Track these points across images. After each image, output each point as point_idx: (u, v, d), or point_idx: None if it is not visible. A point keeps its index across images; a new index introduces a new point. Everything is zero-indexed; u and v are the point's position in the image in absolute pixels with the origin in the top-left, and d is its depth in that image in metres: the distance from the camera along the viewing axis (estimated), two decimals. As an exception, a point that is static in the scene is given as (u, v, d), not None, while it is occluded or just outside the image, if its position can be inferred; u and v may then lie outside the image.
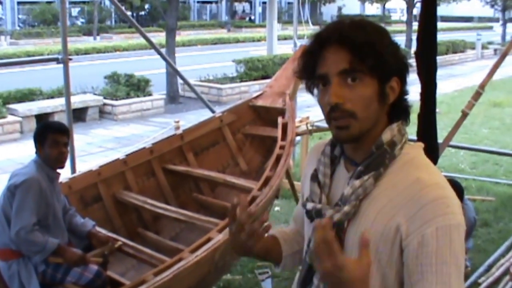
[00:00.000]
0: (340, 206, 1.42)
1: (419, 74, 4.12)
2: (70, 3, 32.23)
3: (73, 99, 10.03)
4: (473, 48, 24.97)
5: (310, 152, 1.71)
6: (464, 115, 5.51)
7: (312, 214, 1.48)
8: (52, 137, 3.44)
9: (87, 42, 27.27)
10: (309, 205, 1.49)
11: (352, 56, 1.35)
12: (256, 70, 14.68)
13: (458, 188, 4.64)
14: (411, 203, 1.33)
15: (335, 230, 1.42)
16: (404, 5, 24.85)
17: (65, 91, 5.42)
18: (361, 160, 1.44)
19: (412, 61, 3.99)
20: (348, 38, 1.36)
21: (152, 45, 6.60)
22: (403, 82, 1.43)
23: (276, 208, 6.15)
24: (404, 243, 1.34)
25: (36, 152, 3.48)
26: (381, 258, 1.37)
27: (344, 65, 1.36)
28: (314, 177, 1.52)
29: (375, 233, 1.37)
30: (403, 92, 1.44)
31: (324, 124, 7.75)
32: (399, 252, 1.35)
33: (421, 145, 1.49)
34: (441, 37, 26.01)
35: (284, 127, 4.75)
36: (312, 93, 1.48)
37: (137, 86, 12.51)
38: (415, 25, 4.70)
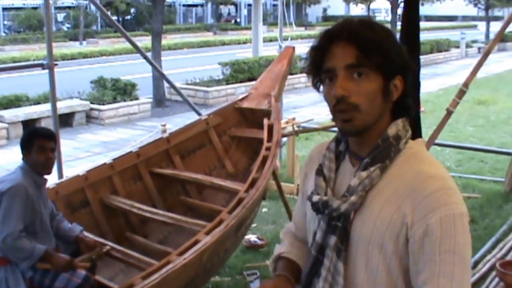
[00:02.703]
0: (347, 197, 1.46)
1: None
2: (56, 8, 32.06)
3: (60, 104, 10.02)
4: (458, 47, 25.17)
5: (311, 152, 1.76)
6: (449, 113, 5.56)
7: (319, 206, 1.52)
8: (39, 143, 3.44)
9: (73, 47, 27.13)
10: (315, 198, 1.53)
11: (359, 52, 1.42)
12: (242, 72, 14.70)
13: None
14: (415, 193, 1.38)
15: (342, 221, 1.49)
16: (388, 6, 25.00)
17: (51, 97, 5.41)
18: (365, 154, 1.49)
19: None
20: (357, 35, 1.42)
21: (137, 49, 6.60)
22: (405, 81, 1.48)
23: (264, 210, 6.17)
24: (410, 232, 1.38)
25: (22, 158, 3.47)
26: (386, 249, 1.41)
27: (351, 60, 1.42)
28: (319, 172, 1.58)
29: (381, 224, 1.41)
30: (405, 90, 1.49)
31: (310, 125, 7.79)
32: (404, 242, 1.39)
33: (423, 140, 1.56)
34: (425, 36, 26.22)
35: (270, 128, 4.77)
36: (318, 89, 1.54)
37: (124, 90, 12.48)
38: (400, 25, 4.75)
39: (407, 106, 1.51)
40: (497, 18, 37.04)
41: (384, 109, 1.48)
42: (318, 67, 1.49)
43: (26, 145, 3.46)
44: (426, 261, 1.35)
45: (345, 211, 1.47)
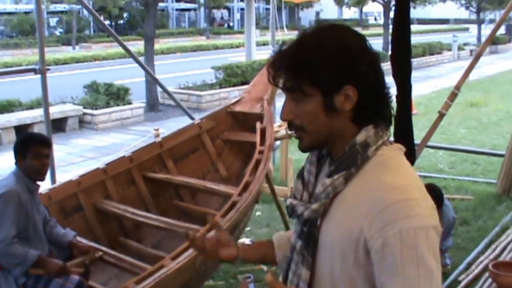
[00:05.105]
0: (311, 204, 1.45)
1: (394, 76, 4.17)
2: (48, 13, 31.99)
3: (53, 109, 10.02)
4: (450, 50, 25.30)
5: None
6: (441, 115, 5.60)
7: (288, 210, 1.53)
8: (35, 149, 3.43)
9: (66, 52, 27.13)
10: (288, 201, 1.54)
11: (286, 74, 1.42)
12: (235, 76, 14.71)
13: (437, 192, 4.71)
14: (373, 205, 1.34)
15: (308, 227, 1.48)
16: (381, 9, 25.10)
17: (43, 102, 5.41)
18: (337, 158, 1.48)
19: (388, 64, 4.08)
20: (284, 58, 1.43)
21: (130, 54, 6.60)
22: (361, 88, 1.41)
23: (257, 213, 6.18)
24: (368, 244, 1.34)
25: (16, 164, 3.46)
26: (348, 260, 1.39)
27: (283, 84, 1.45)
28: (300, 175, 1.56)
29: (342, 233, 1.39)
30: (367, 97, 1.42)
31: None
32: (364, 252, 1.36)
33: (399, 147, 1.50)
34: (418, 39, 26.36)
35: (263, 132, 4.78)
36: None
37: (117, 95, 12.49)
38: (391, 28, 4.77)
39: (373, 112, 1.45)
40: (488, 21, 37.24)
41: (334, 123, 1.44)
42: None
43: (21, 151, 3.44)
44: (390, 274, 1.31)
45: (308, 218, 1.46)
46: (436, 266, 1.32)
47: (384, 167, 1.41)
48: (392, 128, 1.52)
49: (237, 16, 44.16)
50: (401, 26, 4.47)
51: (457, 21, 51.26)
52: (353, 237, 1.36)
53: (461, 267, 4.83)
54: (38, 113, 10.56)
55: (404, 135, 4.14)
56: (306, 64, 1.40)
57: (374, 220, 1.33)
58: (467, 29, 44.09)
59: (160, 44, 27.41)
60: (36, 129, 10.41)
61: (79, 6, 29.45)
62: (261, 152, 4.51)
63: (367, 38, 1.48)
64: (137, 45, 22.23)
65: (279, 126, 6.76)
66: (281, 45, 1.47)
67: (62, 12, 33.55)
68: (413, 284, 1.28)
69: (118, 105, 12.32)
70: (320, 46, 1.41)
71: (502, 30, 29.88)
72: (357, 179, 1.42)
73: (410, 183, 1.38)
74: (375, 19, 48.47)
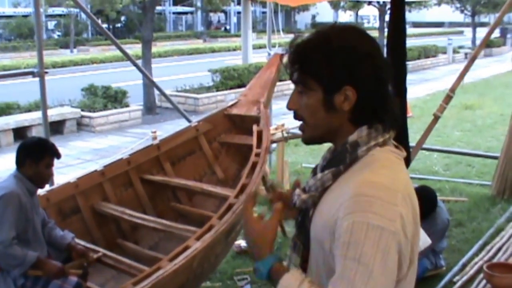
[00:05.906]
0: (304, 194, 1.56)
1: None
2: (46, 16, 31.98)
3: (51, 112, 10.03)
4: (445, 53, 25.34)
5: None
6: (436, 118, 5.63)
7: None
8: (48, 159, 3.50)
9: (64, 55, 27.09)
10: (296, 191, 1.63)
11: (294, 68, 1.50)
12: (231, 79, 14.75)
13: (431, 194, 4.75)
14: (346, 195, 1.39)
15: (301, 216, 1.59)
16: (376, 12, 25.16)
17: (41, 104, 5.45)
18: None
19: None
20: (292, 53, 1.51)
21: (127, 57, 6.64)
22: (361, 89, 1.45)
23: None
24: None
25: (18, 166, 3.49)
26: (326, 248, 1.44)
27: (291, 75, 1.53)
28: (313, 169, 1.63)
29: (322, 223, 1.45)
30: (366, 100, 1.46)
31: (299, 131, 7.84)
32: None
33: (390, 149, 1.51)
34: (413, 42, 26.42)
35: (259, 134, 4.81)
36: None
37: (114, 98, 12.51)
38: (387, 31, 4.81)
39: (370, 115, 1.48)
40: (483, 24, 37.34)
41: (333, 121, 1.50)
42: None
43: (34, 156, 3.46)
44: (336, 263, 1.37)
45: (298, 207, 1.57)
46: (378, 269, 1.32)
47: (371, 167, 1.44)
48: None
49: (234, 19, 44.13)
50: (396, 29, 4.52)
51: (452, 24, 51.38)
52: (329, 227, 1.42)
53: (456, 268, 4.86)
54: (37, 115, 10.57)
55: (399, 138, 4.17)
56: (310, 60, 1.47)
57: (340, 209, 1.38)
58: (462, 32, 44.20)
59: (157, 47, 27.43)
60: (34, 132, 10.44)
61: (77, 10, 29.38)
62: (257, 155, 4.54)
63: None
64: (134, 48, 22.26)
65: (275, 129, 6.80)
66: (296, 37, 1.53)
67: (60, 15, 33.52)
68: (349, 278, 1.31)
69: (115, 107, 12.34)
70: (325, 44, 1.46)
71: (496, 33, 29.97)
72: (344, 176, 1.48)
73: (386, 184, 1.40)
74: (368, 22, 48.58)
